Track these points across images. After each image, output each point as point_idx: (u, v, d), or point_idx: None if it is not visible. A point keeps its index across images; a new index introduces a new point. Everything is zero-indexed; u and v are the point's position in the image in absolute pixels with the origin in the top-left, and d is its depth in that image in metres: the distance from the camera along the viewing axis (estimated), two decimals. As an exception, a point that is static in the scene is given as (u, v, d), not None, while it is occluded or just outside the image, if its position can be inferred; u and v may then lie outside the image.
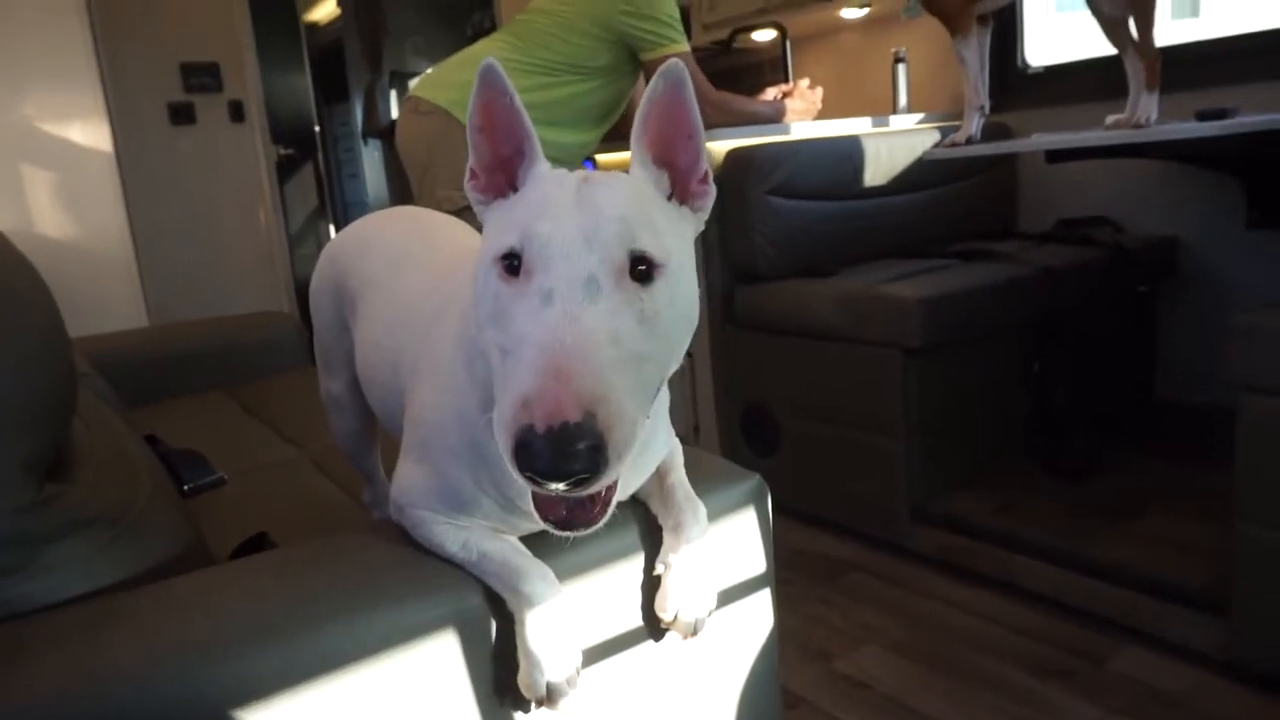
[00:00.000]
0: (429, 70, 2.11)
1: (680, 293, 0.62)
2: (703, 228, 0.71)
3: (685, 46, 2.11)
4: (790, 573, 1.94)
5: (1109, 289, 2.28)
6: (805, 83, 2.47)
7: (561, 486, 0.52)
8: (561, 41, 2.09)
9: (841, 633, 1.70)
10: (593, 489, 0.54)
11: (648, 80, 2.14)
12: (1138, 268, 2.29)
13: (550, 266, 0.58)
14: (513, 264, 0.60)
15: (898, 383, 1.93)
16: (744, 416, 2.35)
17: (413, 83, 4.79)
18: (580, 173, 0.66)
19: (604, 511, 0.59)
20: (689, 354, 0.67)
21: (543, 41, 2.09)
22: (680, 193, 0.69)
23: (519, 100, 0.66)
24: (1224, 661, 1.48)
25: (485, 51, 2.17)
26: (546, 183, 0.65)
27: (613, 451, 0.52)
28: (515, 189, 0.68)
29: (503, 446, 0.53)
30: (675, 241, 0.63)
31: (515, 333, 0.57)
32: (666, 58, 2.04)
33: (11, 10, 2.74)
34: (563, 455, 0.51)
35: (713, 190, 0.70)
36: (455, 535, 0.74)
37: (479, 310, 0.63)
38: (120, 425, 1.10)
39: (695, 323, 0.66)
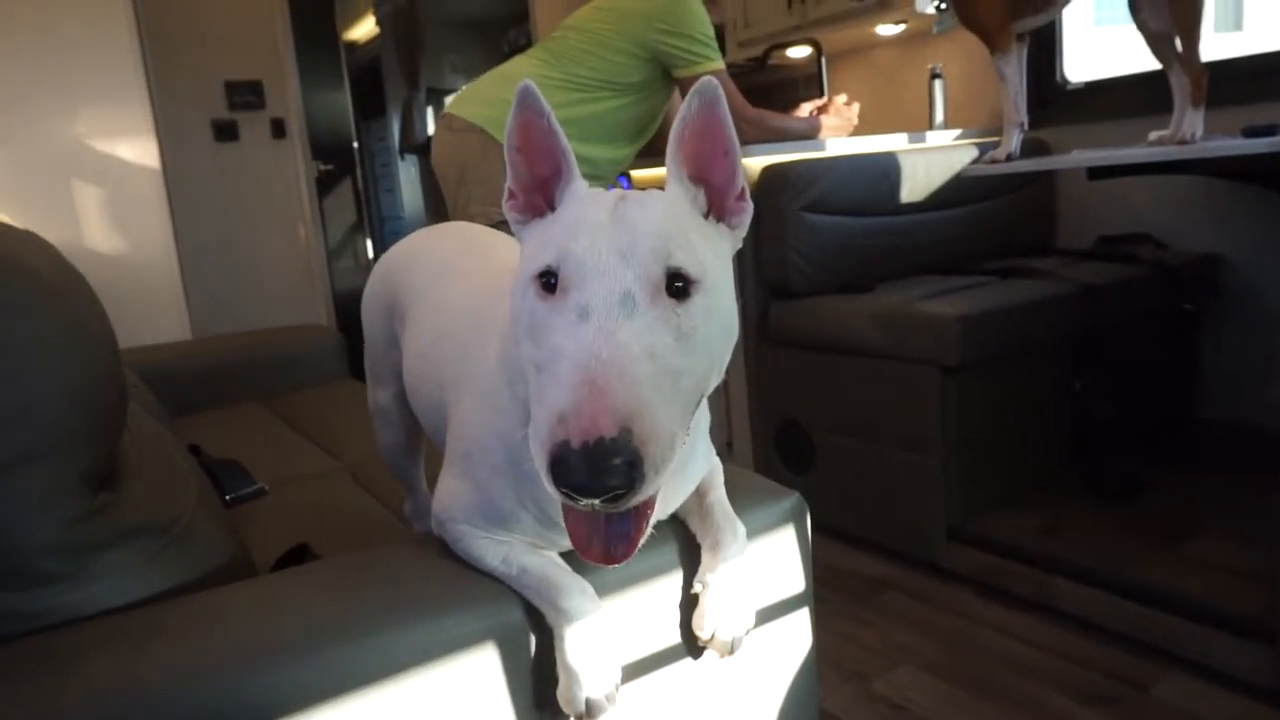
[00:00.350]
0: (464, 88, 2.14)
1: (718, 308, 0.62)
2: (740, 245, 0.71)
3: (720, 64, 2.12)
4: (825, 590, 1.92)
5: (1152, 307, 2.25)
6: (842, 98, 2.47)
7: (597, 502, 0.53)
8: (596, 58, 2.10)
9: (877, 652, 1.68)
10: (629, 504, 0.54)
11: (684, 96, 2.15)
12: (1181, 285, 2.25)
13: (586, 283, 0.58)
14: (549, 281, 0.60)
15: (935, 400, 1.91)
16: (778, 433, 2.34)
17: (449, 99, 4.86)
18: (617, 191, 0.66)
19: (641, 534, 0.59)
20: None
21: (577, 58, 2.11)
22: (717, 210, 0.70)
23: (556, 120, 0.66)
24: (1273, 690, 1.43)
25: (520, 68, 2.18)
26: (583, 202, 0.65)
27: (649, 466, 0.52)
28: (553, 208, 0.68)
29: (538, 462, 0.54)
30: (712, 258, 0.64)
31: (551, 348, 0.58)
32: (701, 75, 2.05)
33: (63, 31, 2.82)
34: (598, 470, 0.51)
35: (750, 207, 0.70)
36: (496, 550, 0.75)
37: (516, 327, 0.63)
38: (167, 436, 1.13)
39: (735, 337, 0.66)
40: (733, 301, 0.65)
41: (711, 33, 2.11)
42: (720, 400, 2.46)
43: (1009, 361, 2.00)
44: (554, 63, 2.12)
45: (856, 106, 2.47)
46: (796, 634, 0.92)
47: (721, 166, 0.68)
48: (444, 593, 0.73)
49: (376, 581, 0.75)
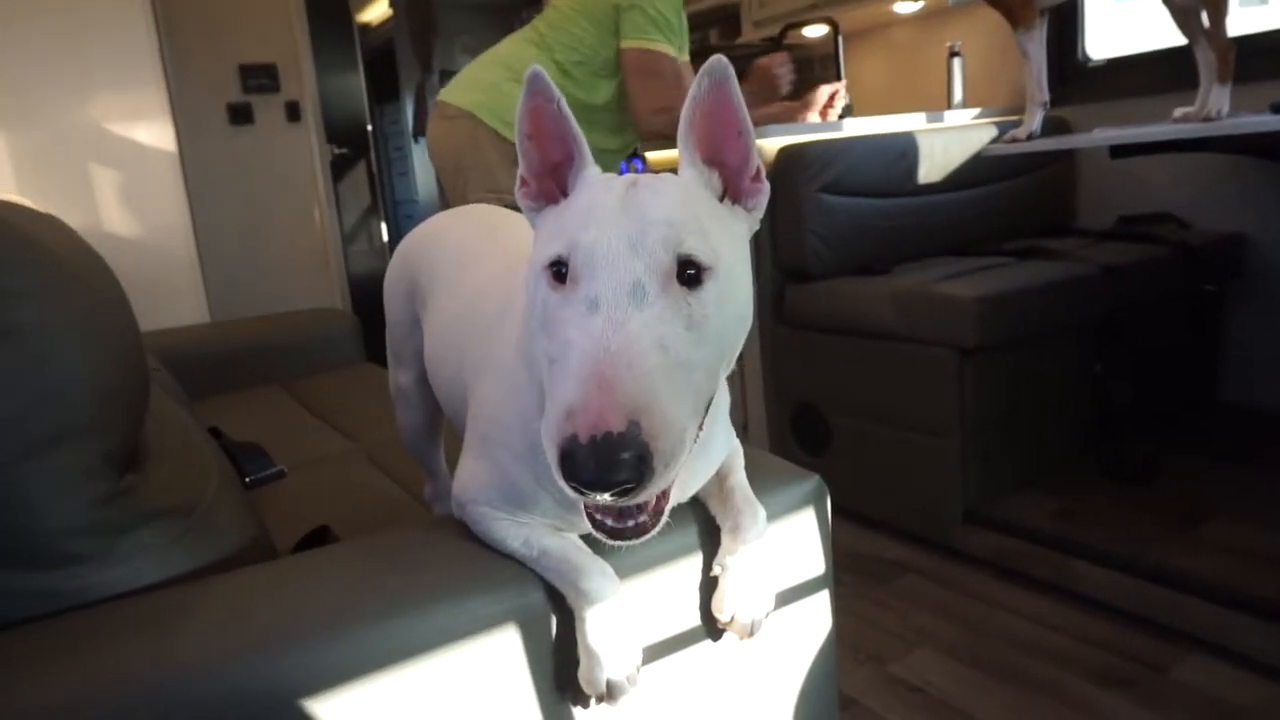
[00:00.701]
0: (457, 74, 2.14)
1: (731, 295, 0.61)
2: (758, 226, 0.70)
3: (664, 48, 2.00)
4: (841, 573, 1.92)
5: (1173, 288, 2.22)
6: (826, 89, 2.39)
7: (607, 496, 0.52)
8: (568, 34, 2.05)
9: (895, 635, 1.68)
10: (638, 499, 0.54)
11: (623, 71, 2.03)
12: (1203, 266, 2.22)
13: (596, 274, 0.58)
14: (560, 271, 0.60)
15: (953, 383, 1.90)
16: (794, 416, 2.33)
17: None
18: (629, 176, 0.65)
19: (655, 522, 0.59)
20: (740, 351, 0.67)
21: (557, 35, 2.05)
22: (733, 192, 0.69)
23: (566, 105, 0.66)
24: (1295, 673, 1.43)
25: (507, 51, 2.13)
26: (594, 188, 0.65)
27: (658, 461, 0.52)
28: (566, 194, 0.68)
29: (549, 456, 0.54)
30: (726, 243, 0.63)
31: (562, 341, 0.57)
32: (639, 50, 1.98)
33: (80, 16, 2.83)
34: (606, 465, 0.51)
35: (766, 188, 0.69)
36: (516, 532, 0.75)
37: (529, 318, 0.63)
38: (188, 419, 1.13)
39: (749, 324, 0.65)
40: (748, 287, 0.65)
41: (672, 18, 2.00)
42: (736, 383, 2.45)
43: (1027, 343, 1.98)
44: (539, 41, 2.07)
45: (831, 91, 2.39)
46: (816, 617, 0.92)
47: (735, 147, 0.67)
48: (465, 575, 0.74)
49: (398, 564, 0.76)
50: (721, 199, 0.68)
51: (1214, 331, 2.39)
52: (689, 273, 0.59)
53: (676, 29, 2.03)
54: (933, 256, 2.34)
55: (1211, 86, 1.68)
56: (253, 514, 0.94)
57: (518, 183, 0.70)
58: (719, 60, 0.63)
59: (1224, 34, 1.64)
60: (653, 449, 0.52)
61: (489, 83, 2.07)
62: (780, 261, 2.29)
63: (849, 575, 1.93)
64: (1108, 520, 1.84)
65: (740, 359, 2.41)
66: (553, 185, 0.69)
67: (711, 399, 0.63)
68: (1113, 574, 1.68)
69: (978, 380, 1.90)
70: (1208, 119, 1.67)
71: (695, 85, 0.64)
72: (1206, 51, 1.68)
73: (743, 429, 2.47)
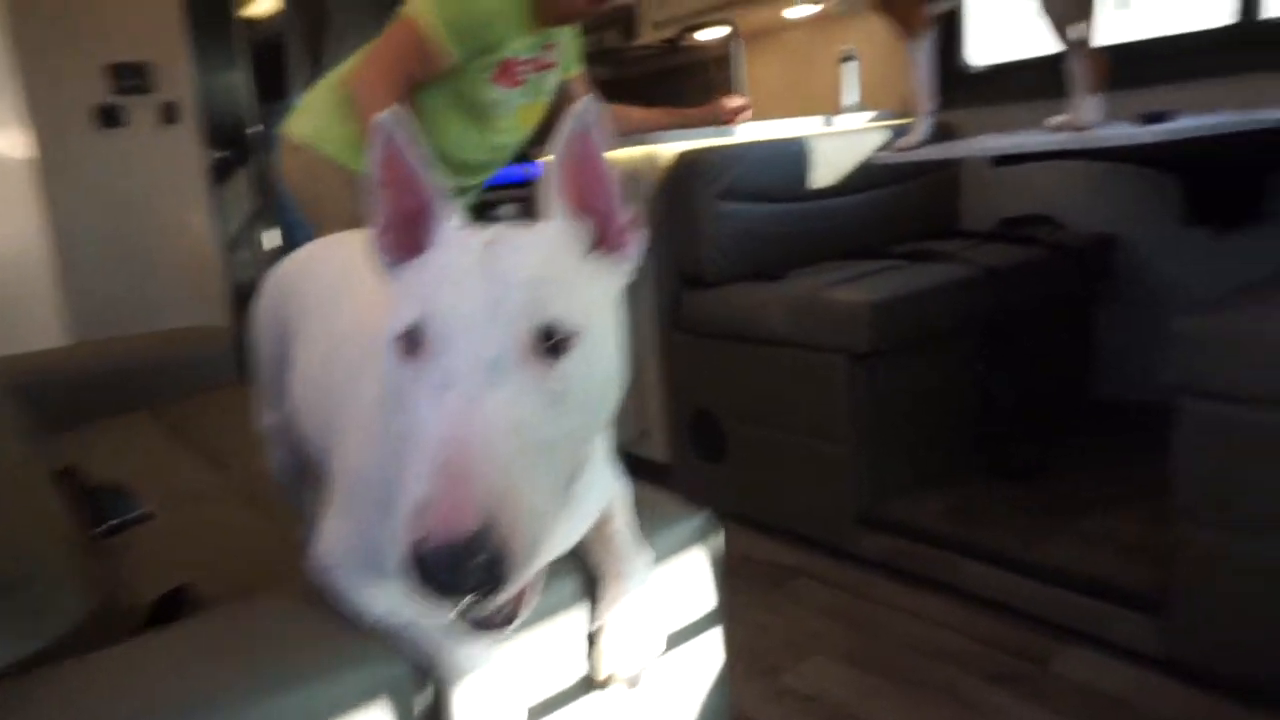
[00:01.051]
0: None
1: (599, 357, 0.58)
2: (629, 279, 0.67)
3: (421, 16, 1.76)
4: (737, 580, 1.93)
5: (1051, 287, 2.31)
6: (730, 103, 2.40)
7: (466, 600, 0.49)
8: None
9: (788, 642, 1.69)
10: (498, 600, 0.51)
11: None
12: (1078, 266, 2.32)
13: (450, 346, 0.54)
14: (416, 339, 0.56)
15: (845, 388, 1.93)
16: (692, 423, 2.33)
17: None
18: (489, 231, 0.61)
19: (519, 607, 0.56)
20: (638, 359, 0.64)
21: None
22: (606, 242, 0.65)
23: (420, 151, 0.62)
24: (1164, 660, 1.49)
25: (349, 70, 1.90)
26: (450, 246, 0.60)
27: (512, 563, 0.49)
28: (426, 247, 0.63)
29: (402, 559, 0.49)
30: (596, 301, 0.60)
31: (413, 422, 0.54)
32: (400, 15, 1.77)
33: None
34: (458, 573, 0.47)
35: (640, 237, 0.66)
36: (381, 600, 0.70)
37: (386, 391, 0.59)
38: (26, 462, 1.04)
39: (620, 387, 0.62)
40: (618, 346, 0.61)
41: (473, 12, 1.77)
42: (635, 390, 2.44)
43: (916, 347, 2.02)
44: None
45: (735, 106, 2.40)
46: (709, 652, 0.91)
47: (604, 195, 0.64)
48: (329, 650, 0.68)
49: (256, 641, 0.70)
50: (593, 249, 0.65)
51: (1087, 329, 2.50)
52: (554, 339, 0.55)
53: (461, 25, 1.76)
54: (824, 260, 2.37)
55: (1083, 98, 1.74)
56: (95, 581, 0.86)
57: (375, 233, 0.65)
58: (588, 104, 0.60)
59: (1093, 47, 1.70)
60: (509, 550, 0.48)
61: (322, 109, 1.90)
62: (677, 267, 2.28)
63: (743, 582, 1.93)
64: (994, 518, 1.90)
65: (640, 366, 2.41)
66: (411, 240, 0.64)
67: (582, 467, 0.60)
68: (998, 571, 1.74)
69: (869, 384, 1.93)
70: (1079, 129, 1.73)
71: (562, 129, 0.61)
72: (1078, 63, 1.73)
73: (641, 436, 2.46)
